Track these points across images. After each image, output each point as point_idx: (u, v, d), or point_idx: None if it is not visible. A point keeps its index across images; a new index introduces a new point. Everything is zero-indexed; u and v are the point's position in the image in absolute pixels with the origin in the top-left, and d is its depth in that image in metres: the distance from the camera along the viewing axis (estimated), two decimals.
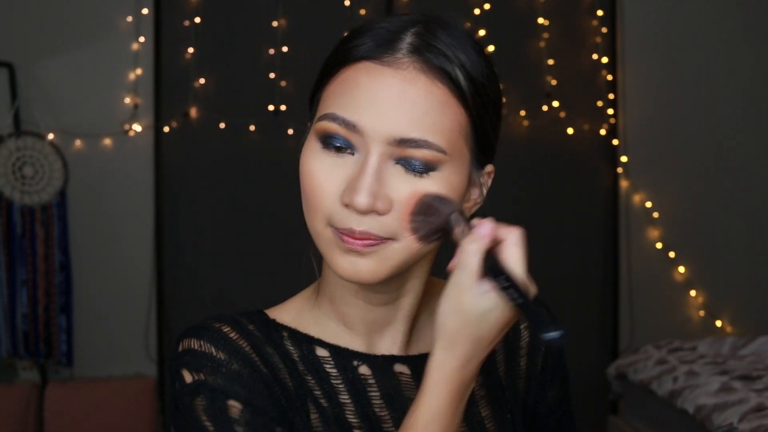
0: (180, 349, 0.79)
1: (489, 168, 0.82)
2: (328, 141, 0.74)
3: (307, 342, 0.83)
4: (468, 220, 0.73)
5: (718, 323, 3.54)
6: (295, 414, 0.78)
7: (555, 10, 3.38)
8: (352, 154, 0.74)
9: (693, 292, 3.53)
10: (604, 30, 3.42)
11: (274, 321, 0.84)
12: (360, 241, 0.73)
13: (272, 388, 0.78)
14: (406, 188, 0.73)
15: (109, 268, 3.21)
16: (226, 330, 0.79)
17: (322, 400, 0.80)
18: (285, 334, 0.83)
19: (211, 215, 3.27)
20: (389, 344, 0.85)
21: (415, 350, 0.86)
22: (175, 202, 3.24)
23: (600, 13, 3.41)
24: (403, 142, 0.72)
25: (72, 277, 3.13)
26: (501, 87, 0.80)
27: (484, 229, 0.69)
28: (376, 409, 0.81)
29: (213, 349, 0.77)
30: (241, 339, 0.79)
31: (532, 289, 0.69)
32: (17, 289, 3.03)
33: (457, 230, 0.72)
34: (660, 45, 3.49)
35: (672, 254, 3.51)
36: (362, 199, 0.71)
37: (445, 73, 0.74)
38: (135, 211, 3.21)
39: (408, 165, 0.73)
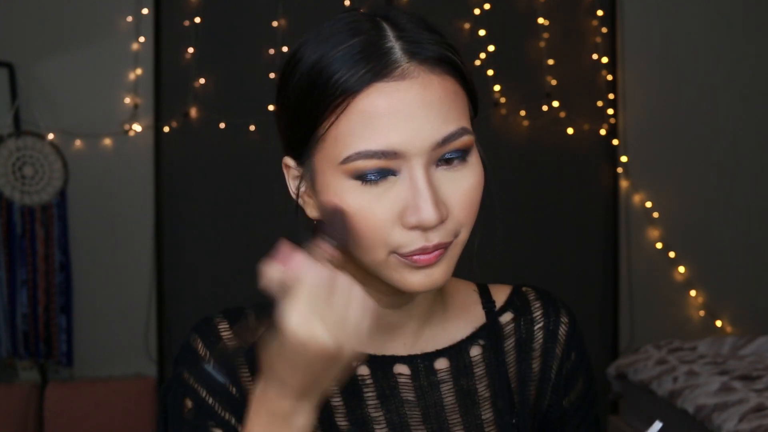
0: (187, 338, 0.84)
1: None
2: (364, 177, 0.71)
3: None
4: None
5: (718, 323, 3.54)
6: None
7: (555, 10, 3.38)
8: (394, 174, 0.72)
9: (693, 292, 3.53)
10: (604, 30, 3.42)
11: None
12: (434, 254, 0.73)
13: (243, 390, 0.80)
14: (451, 187, 0.73)
15: (109, 268, 3.21)
16: (222, 326, 0.83)
17: None
18: None
19: (211, 215, 3.27)
20: (397, 345, 0.85)
21: (418, 349, 0.85)
22: (175, 202, 3.24)
23: (600, 13, 3.41)
24: (445, 141, 0.71)
25: (72, 277, 3.13)
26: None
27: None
28: (371, 410, 0.82)
29: (200, 345, 0.82)
30: (233, 338, 0.82)
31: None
32: (17, 289, 3.03)
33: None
34: (660, 45, 3.49)
35: (672, 254, 3.51)
36: (431, 216, 0.70)
37: (446, 62, 0.73)
38: (135, 211, 3.21)
39: (449, 161, 0.73)
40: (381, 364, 0.83)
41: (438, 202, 0.71)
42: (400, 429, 0.82)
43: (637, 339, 3.44)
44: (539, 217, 3.42)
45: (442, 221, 0.71)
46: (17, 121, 3.08)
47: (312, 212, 0.80)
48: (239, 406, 0.80)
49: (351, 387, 0.82)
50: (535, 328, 0.90)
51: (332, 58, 0.72)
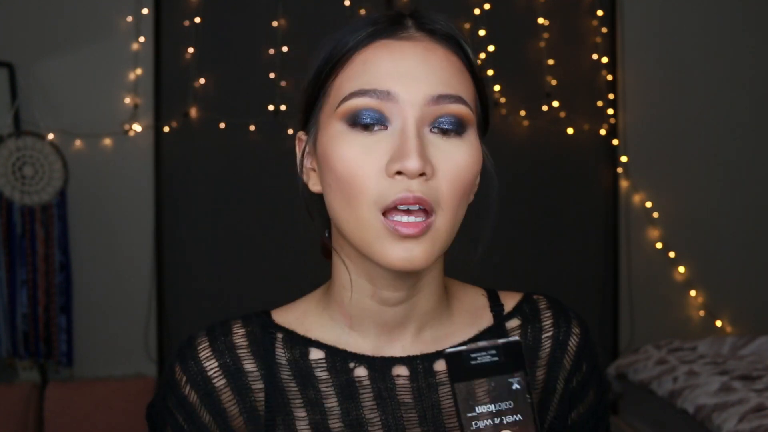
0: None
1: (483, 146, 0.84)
2: (356, 120, 0.73)
3: (303, 344, 0.83)
4: None
5: (718, 323, 3.54)
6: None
7: (555, 10, 3.38)
8: (385, 128, 0.73)
9: (693, 292, 3.53)
10: (604, 30, 3.42)
11: (272, 322, 0.84)
12: (416, 226, 0.72)
13: (223, 415, 0.80)
14: (441, 154, 0.74)
15: (109, 268, 3.21)
16: (201, 347, 0.82)
17: (299, 411, 0.80)
18: (280, 336, 0.83)
19: (211, 215, 3.27)
20: (396, 347, 0.84)
21: (418, 350, 0.84)
22: (175, 202, 3.24)
23: (600, 13, 3.41)
24: (441, 99, 0.73)
25: (72, 277, 3.13)
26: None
27: None
28: (366, 412, 0.81)
29: (178, 369, 0.82)
30: (212, 358, 0.81)
31: None
32: (17, 289, 3.03)
33: None
34: (660, 45, 3.49)
35: (672, 254, 3.51)
36: (414, 163, 0.70)
37: (455, 43, 0.77)
38: (135, 211, 3.21)
39: (444, 126, 0.74)
40: (380, 366, 0.82)
41: (423, 154, 0.72)
42: (395, 431, 0.81)
43: (637, 339, 3.44)
44: (539, 217, 3.42)
45: (423, 173, 0.72)
46: (17, 121, 3.08)
47: (315, 186, 0.81)
48: (224, 420, 0.81)
49: (348, 389, 0.81)
50: (543, 336, 0.87)
51: (346, 30, 0.78)
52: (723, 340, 2.99)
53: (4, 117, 3.07)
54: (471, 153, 0.75)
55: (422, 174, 0.72)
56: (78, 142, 3.17)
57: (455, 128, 0.74)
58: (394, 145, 0.72)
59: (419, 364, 0.83)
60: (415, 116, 0.72)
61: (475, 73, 0.79)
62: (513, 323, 0.88)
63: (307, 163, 0.82)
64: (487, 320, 0.87)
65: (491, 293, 0.90)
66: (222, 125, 3.22)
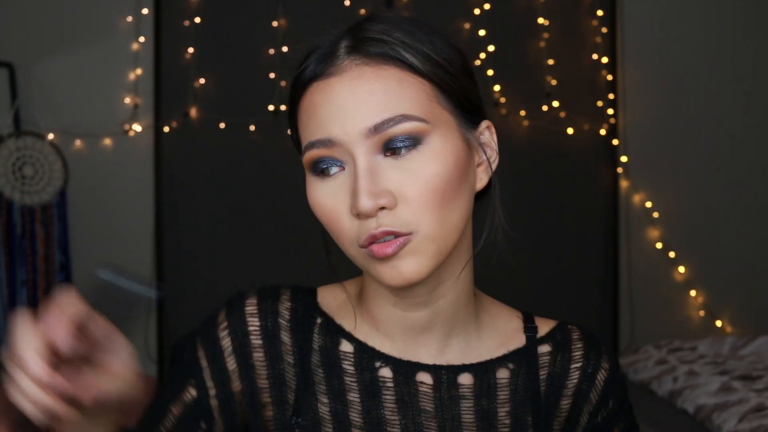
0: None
1: (485, 123, 0.81)
2: (317, 169, 0.75)
3: (336, 334, 0.84)
4: None
5: (718, 323, 3.54)
6: (276, 403, 0.82)
7: (555, 10, 3.38)
8: (343, 169, 0.74)
9: (693, 292, 3.53)
10: (604, 30, 3.42)
11: (316, 304, 0.86)
12: (387, 245, 0.72)
13: (251, 371, 0.82)
14: (401, 175, 0.73)
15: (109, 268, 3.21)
16: (249, 302, 0.84)
17: (322, 396, 0.82)
18: (319, 321, 0.85)
19: (211, 215, 3.27)
20: (421, 352, 0.84)
21: (444, 360, 0.84)
22: (175, 202, 3.24)
23: (600, 13, 3.41)
24: (379, 126, 0.72)
25: (72, 277, 3.13)
26: (463, 53, 0.79)
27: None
28: (387, 412, 0.81)
29: (222, 315, 0.85)
30: (256, 316, 0.83)
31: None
32: (17, 289, 3.03)
33: None
34: (660, 45, 3.49)
35: (672, 254, 3.51)
36: (363, 203, 0.71)
37: (387, 56, 0.74)
38: (135, 211, 3.21)
39: (395, 147, 0.73)
40: (404, 369, 0.82)
41: (375, 189, 0.71)
42: None
43: (637, 339, 3.44)
44: (539, 217, 3.42)
45: (378, 208, 0.72)
46: (17, 121, 3.08)
47: None
48: (227, 384, 0.82)
49: (371, 387, 0.82)
50: (572, 366, 0.87)
51: (300, 64, 0.79)
52: (723, 340, 2.99)
53: (4, 117, 3.06)
54: (435, 160, 0.73)
55: (382, 208, 0.72)
56: (78, 142, 3.17)
57: (407, 145, 0.72)
58: (351, 185, 0.73)
59: (444, 374, 0.83)
60: (360, 152, 0.72)
61: (423, 71, 0.74)
62: (544, 348, 0.88)
63: None
64: (518, 341, 0.87)
65: (527, 316, 0.90)
66: (222, 125, 3.22)
